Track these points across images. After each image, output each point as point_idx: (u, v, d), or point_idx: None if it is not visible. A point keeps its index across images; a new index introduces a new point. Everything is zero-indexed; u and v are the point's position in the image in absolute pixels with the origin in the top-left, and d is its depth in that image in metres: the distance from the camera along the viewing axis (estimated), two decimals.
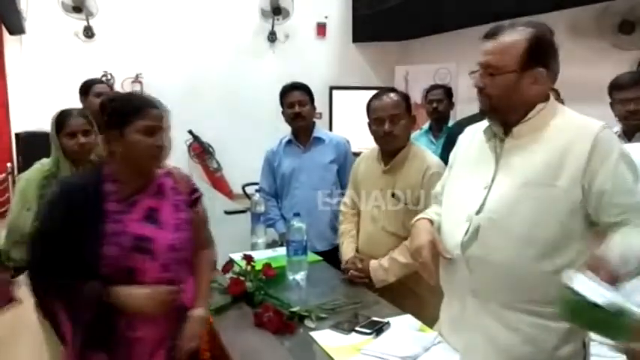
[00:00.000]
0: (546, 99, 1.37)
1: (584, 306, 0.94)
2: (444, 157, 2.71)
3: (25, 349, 3.17)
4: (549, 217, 1.30)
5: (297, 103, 2.70)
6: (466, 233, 1.39)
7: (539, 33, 1.33)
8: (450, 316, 1.52)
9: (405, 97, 2.14)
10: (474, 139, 1.51)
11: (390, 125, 2.06)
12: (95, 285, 1.37)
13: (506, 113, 1.38)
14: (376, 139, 2.14)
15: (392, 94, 2.11)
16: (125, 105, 1.44)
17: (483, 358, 1.41)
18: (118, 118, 1.42)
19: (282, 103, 2.77)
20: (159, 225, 1.47)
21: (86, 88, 2.85)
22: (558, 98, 2.20)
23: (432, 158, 2.14)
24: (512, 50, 1.32)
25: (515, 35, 1.32)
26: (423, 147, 2.27)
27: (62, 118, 2.13)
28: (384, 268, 2.07)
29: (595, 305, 0.93)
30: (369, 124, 2.14)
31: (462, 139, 1.58)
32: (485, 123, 1.47)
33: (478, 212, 1.38)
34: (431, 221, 1.55)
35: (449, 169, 1.61)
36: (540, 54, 1.32)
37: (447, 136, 3.01)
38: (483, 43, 1.37)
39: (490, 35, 1.36)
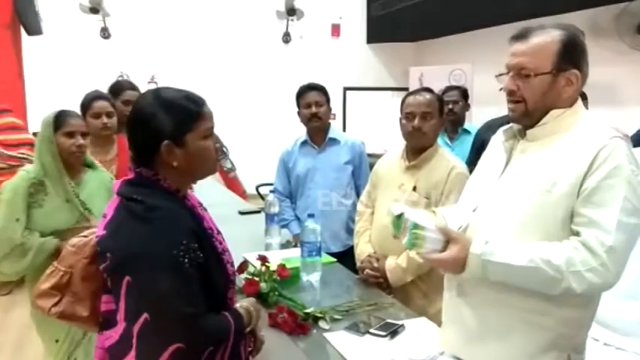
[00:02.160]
0: (571, 103, 1.34)
1: (393, 216, 1.41)
2: (472, 159, 2.71)
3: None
4: (538, 223, 1.27)
5: (313, 104, 2.70)
6: (459, 229, 1.40)
7: (571, 34, 1.31)
8: (444, 309, 1.51)
9: (439, 99, 2.17)
10: (499, 139, 1.50)
11: (420, 121, 2.08)
12: (239, 311, 1.29)
13: (538, 117, 1.34)
14: (404, 135, 2.16)
15: (426, 93, 2.15)
16: (181, 109, 1.23)
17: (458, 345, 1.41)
18: (177, 126, 1.21)
19: (298, 104, 2.77)
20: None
21: (116, 92, 2.83)
22: (585, 101, 2.18)
23: (458, 161, 2.17)
24: (546, 51, 1.29)
25: (547, 36, 1.30)
26: (448, 151, 2.29)
27: (61, 117, 2.07)
28: (402, 267, 2.06)
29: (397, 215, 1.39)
30: (400, 120, 2.16)
31: (492, 139, 1.55)
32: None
33: (474, 210, 1.39)
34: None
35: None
36: (573, 55, 1.31)
37: (474, 139, 3.01)
38: (513, 45, 1.34)
39: (520, 37, 1.33)
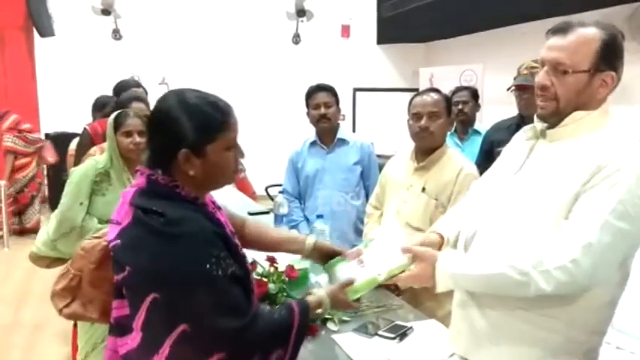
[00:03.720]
0: (599, 106, 1.28)
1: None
2: (480, 160, 2.69)
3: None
4: (542, 227, 1.24)
5: (322, 105, 2.70)
6: (469, 233, 1.38)
7: (613, 34, 1.25)
8: (453, 312, 1.48)
9: (446, 99, 2.16)
10: (519, 137, 1.46)
11: (427, 121, 2.07)
12: (297, 305, 1.23)
13: (565, 117, 1.28)
14: (412, 135, 2.15)
15: (433, 93, 2.14)
16: (206, 117, 1.16)
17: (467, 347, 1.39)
18: (199, 136, 1.15)
19: (307, 104, 2.77)
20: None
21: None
22: None
23: (468, 162, 2.15)
24: (586, 49, 1.23)
25: (589, 33, 1.24)
26: (458, 151, 2.26)
27: (120, 118, 2.25)
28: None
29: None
30: (408, 120, 2.16)
31: (515, 138, 1.50)
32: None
33: (487, 212, 1.36)
34: (441, 235, 1.52)
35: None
36: (612, 57, 1.25)
37: (483, 140, 2.99)
38: (550, 38, 1.28)
39: (559, 30, 1.26)
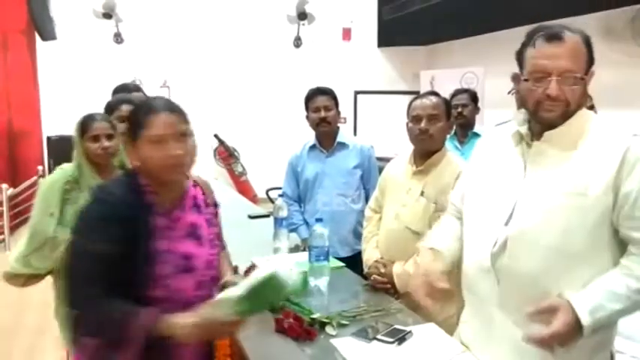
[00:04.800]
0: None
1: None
2: None
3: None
4: (580, 227, 1.26)
5: (322, 108, 2.69)
6: (495, 244, 1.36)
7: (587, 36, 1.30)
8: (475, 327, 1.49)
9: (446, 102, 2.16)
10: (497, 144, 1.47)
11: (427, 124, 2.07)
12: (150, 313, 1.26)
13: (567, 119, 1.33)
14: (411, 138, 2.14)
15: (432, 96, 2.13)
16: (134, 115, 1.38)
17: None
18: (130, 130, 1.36)
19: (306, 108, 2.76)
20: (199, 241, 1.43)
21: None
22: (591, 103, 2.14)
23: (466, 165, 2.13)
24: (582, 54, 1.28)
25: (576, 38, 1.28)
26: (458, 154, 2.26)
27: (86, 122, 2.14)
28: (408, 273, 2.04)
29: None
30: (407, 123, 2.15)
31: (481, 145, 1.54)
32: (508, 127, 1.43)
33: (507, 222, 1.35)
34: (434, 250, 1.55)
35: (469, 176, 1.57)
36: (592, 57, 1.31)
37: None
38: (544, 46, 1.28)
39: (555, 38, 1.27)
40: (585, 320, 1.20)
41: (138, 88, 3.01)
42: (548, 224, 1.29)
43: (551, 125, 1.32)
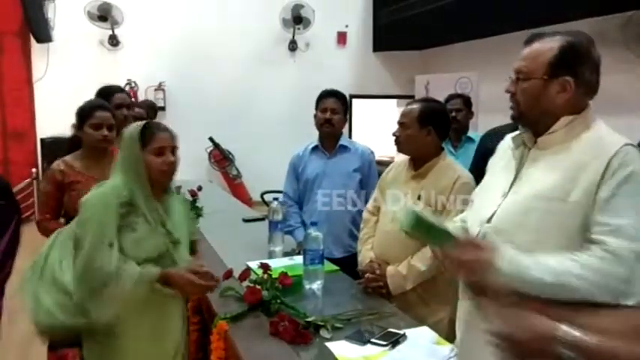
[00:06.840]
0: (579, 111, 1.34)
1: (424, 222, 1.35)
2: (476, 166, 2.70)
3: None
4: (556, 231, 1.27)
5: (329, 110, 2.74)
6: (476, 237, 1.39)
7: (573, 41, 1.31)
8: (463, 316, 1.51)
9: (422, 111, 2.18)
10: (508, 146, 1.50)
11: (398, 129, 2.16)
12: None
13: (533, 121, 1.37)
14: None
15: (414, 104, 2.19)
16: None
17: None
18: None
19: (316, 107, 2.82)
20: None
21: (105, 97, 2.70)
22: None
23: (464, 171, 2.17)
24: (542, 57, 1.32)
25: (549, 43, 1.32)
26: (454, 159, 2.30)
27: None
28: (402, 275, 2.05)
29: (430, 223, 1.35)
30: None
31: (500, 147, 1.56)
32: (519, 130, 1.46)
33: (489, 220, 1.38)
34: None
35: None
36: (570, 62, 1.31)
37: (478, 146, 2.99)
38: (522, 50, 1.38)
39: (527, 41, 1.37)
40: (500, 263, 1.23)
41: (121, 89, 3.03)
42: (521, 226, 1.31)
43: (524, 126, 1.40)
